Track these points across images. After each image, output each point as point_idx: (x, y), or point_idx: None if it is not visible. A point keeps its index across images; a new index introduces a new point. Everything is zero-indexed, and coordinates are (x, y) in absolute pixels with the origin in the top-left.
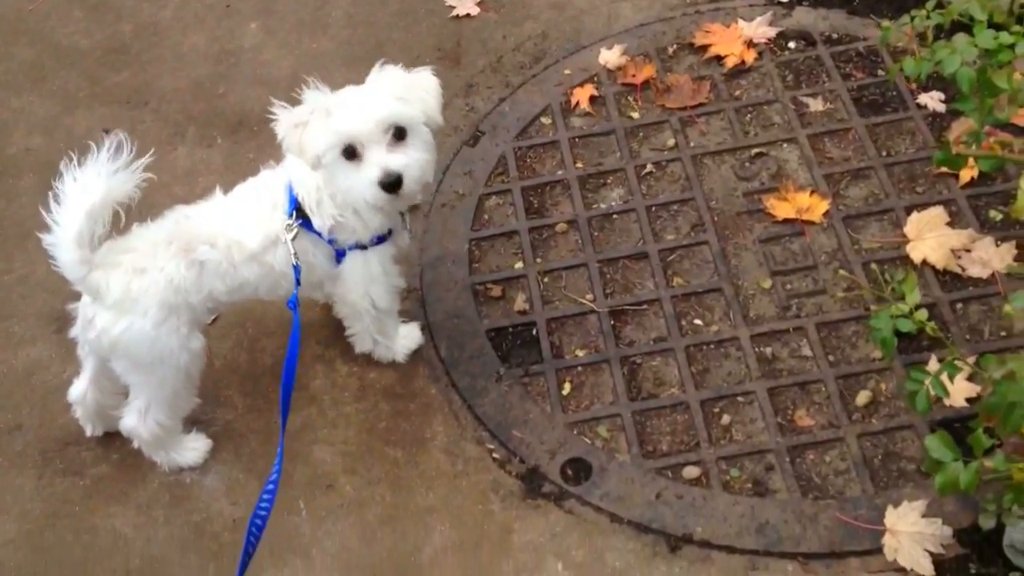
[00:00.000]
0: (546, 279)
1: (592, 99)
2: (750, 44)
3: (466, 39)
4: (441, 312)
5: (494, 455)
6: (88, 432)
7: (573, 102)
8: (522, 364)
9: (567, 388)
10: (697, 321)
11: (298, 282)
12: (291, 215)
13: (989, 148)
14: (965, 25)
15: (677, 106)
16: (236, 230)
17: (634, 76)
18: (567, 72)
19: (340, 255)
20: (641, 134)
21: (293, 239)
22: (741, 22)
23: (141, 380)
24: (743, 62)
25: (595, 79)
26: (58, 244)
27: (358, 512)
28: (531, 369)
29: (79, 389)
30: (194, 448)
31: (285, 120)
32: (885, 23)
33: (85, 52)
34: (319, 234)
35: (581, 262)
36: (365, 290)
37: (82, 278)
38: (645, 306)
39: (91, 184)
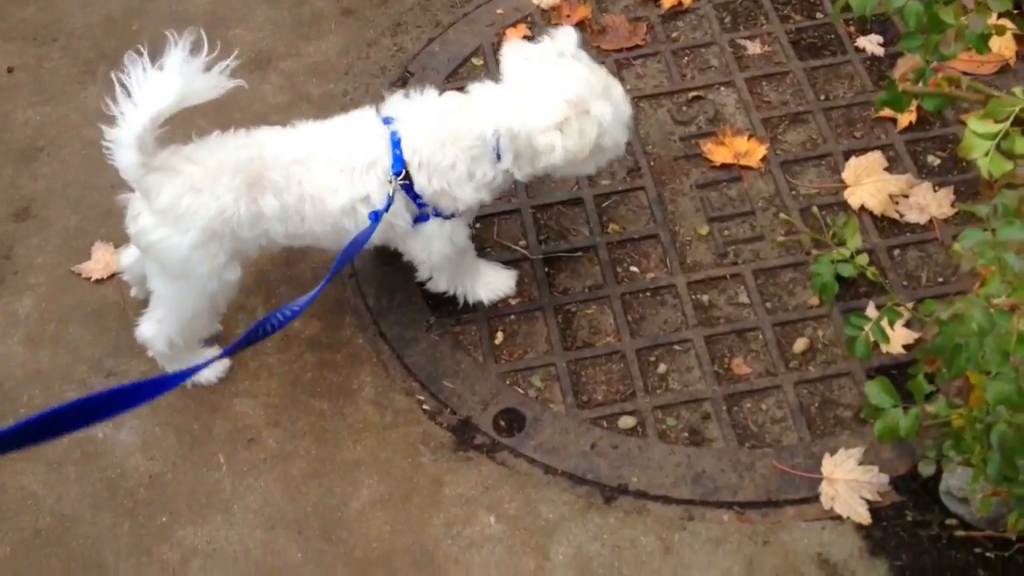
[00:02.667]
0: (478, 225)
1: (525, 39)
2: None
3: None
4: (368, 260)
5: (424, 407)
6: (132, 293)
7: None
8: (453, 313)
9: (500, 337)
10: (633, 268)
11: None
12: (399, 174)
13: (936, 86)
14: None
15: (613, 48)
16: (319, 182)
17: (568, 16)
18: (499, 12)
19: (423, 218)
20: None
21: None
22: None
23: (165, 290)
24: (680, 3)
25: (528, 19)
26: (119, 142)
27: (282, 466)
28: (462, 318)
29: (131, 256)
30: (209, 367)
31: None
32: None
33: None
34: (416, 196)
35: (514, 208)
36: (431, 247)
37: (138, 179)
38: (580, 253)
39: (165, 84)
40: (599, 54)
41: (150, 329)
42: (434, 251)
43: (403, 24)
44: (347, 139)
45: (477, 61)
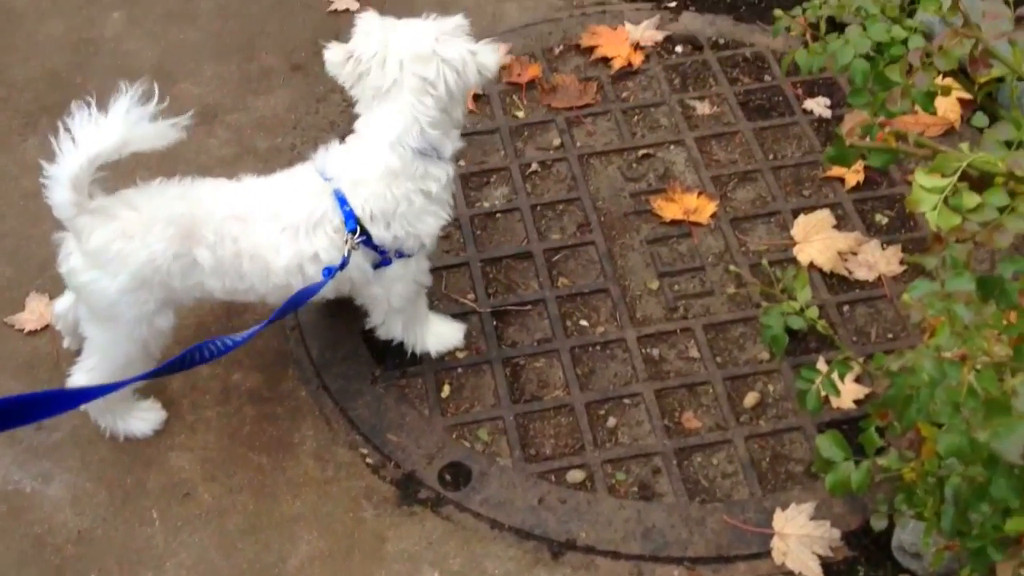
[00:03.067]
0: None
1: (476, 97)
2: (637, 47)
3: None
4: (313, 311)
5: (368, 460)
6: (65, 344)
7: None
8: (399, 366)
9: (446, 390)
10: (583, 322)
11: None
12: (354, 231)
13: (883, 141)
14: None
15: (563, 106)
16: (258, 239)
17: (519, 75)
18: None
19: (385, 263)
20: (526, 133)
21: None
22: (628, 25)
23: (96, 335)
24: (630, 64)
25: None
26: (55, 179)
27: (218, 521)
28: (408, 371)
29: (64, 304)
30: (143, 418)
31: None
32: (778, 11)
33: None
34: (376, 247)
35: (463, 261)
36: (393, 289)
37: (71, 218)
38: (529, 307)
39: (108, 126)
40: (549, 112)
41: (81, 379)
42: (395, 293)
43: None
44: (288, 196)
45: None
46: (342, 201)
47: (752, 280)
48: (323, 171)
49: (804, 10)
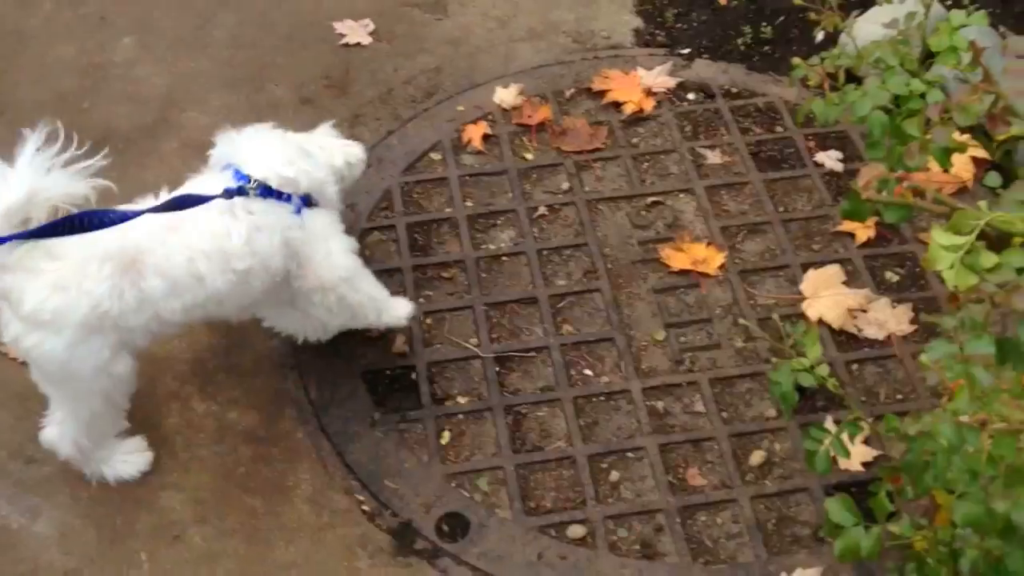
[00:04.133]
0: (428, 320)
1: (485, 137)
2: (649, 93)
3: (355, 69)
4: (312, 351)
5: (363, 507)
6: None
7: (465, 139)
8: (399, 410)
9: (446, 437)
10: (587, 371)
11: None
12: (248, 180)
13: (900, 196)
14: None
15: (573, 150)
16: (208, 231)
17: (530, 117)
18: (460, 108)
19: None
20: (535, 176)
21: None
22: (641, 70)
23: (57, 396)
24: (641, 110)
25: (489, 117)
26: None
27: (208, 566)
28: (408, 415)
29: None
30: (128, 461)
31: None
32: (796, 59)
33: None
34: (279, 195)
35: (467, 304)
36: (330, 253)
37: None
38: (533, 353)
39: (14, 180)
40: (559, 155)
41: (53, 433)
42: (335, 251)
43: (362, 116)
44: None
45: (435, 156)
46: (237, 174)
47: (761, 334)
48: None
49: (822, 59)
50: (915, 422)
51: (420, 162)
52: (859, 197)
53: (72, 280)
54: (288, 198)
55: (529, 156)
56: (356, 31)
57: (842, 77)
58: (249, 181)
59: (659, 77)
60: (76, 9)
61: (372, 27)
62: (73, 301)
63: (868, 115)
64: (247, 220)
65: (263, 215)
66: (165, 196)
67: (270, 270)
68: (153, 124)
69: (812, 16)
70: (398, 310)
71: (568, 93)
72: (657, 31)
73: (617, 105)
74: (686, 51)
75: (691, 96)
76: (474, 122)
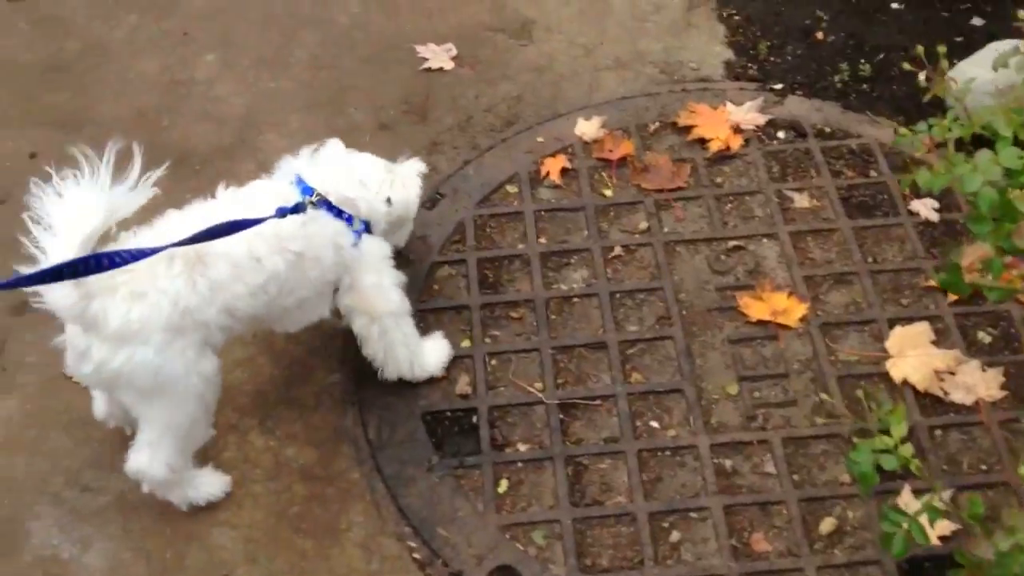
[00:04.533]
0: (494, 362)
1: (563, 171)
2: (737, 129)
3: (435, 94)
4: (374, 387)
5: (415, 555)
6: (129, 431)
7: (543, 172)
8: (457, 454)
9: (504, 485)
10: (653, 423)
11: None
12: (311, 193)
13: (1008, 282)
14: (983, 140)
15: (654, 188)
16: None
17: (611, 151)
18: (540, 140)
19: (356, 235)
20: (612, 213)
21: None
22: (729, 105)
23: (150, 412)
24: (728, 148)
25: (569, 150)
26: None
27: None
28: (466, 460)
29: (100, 408)
30: (210, 482)
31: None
32: (902, 130)
33: (23, 68)
34: (339, 212)
35: (534, 347)
36: (381, 284)
37: (80, 313)
38: (598, 401)
39: (89, 203)
40: (639, 193)
41: (142, 458)
42: (385, 283)
43: (439, 144)
44: (257, 190)
45: (511, 188)
46: (299, 181)
47: (843, 411)
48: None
49: (930, 127)
50: (1009, 536)
51: (496, 194)
52: (959, 273)
53: (147, 285)
54: (349, 219)
55: (608, 192)
56: (438, 55)
57: (952, 147)
58: (312, 193)
59: (749, 113)
60: (160, 23)
61: (455, 52)
62: (155, 304)
63: (978, 191)
64: (301, 215)
65: (317, 218)
66: (223, 193)
67: (321, 263)
68: (231, 145)
69: (921, 82)
70: (429, 363)
71: (652, 127)
72: (749, 64)
73: (703, 142)
74: (779, 86)
75: (781, 134)
76: (553, 155)
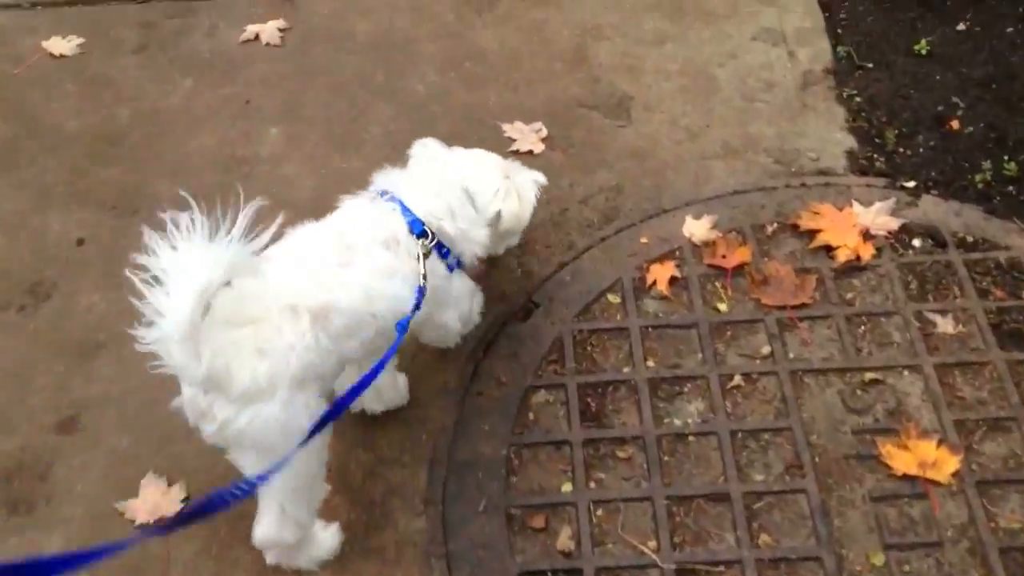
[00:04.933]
0: (600, 512)
1: (672, 280)
2: (866, 235)
3: None
4: (465, 538)
5: None
6: None
7: (649, 280)
8: None
9: None
10: None
11: (418, 307)
12: (430, 236)
13: None
14: None
15: (775, 303)
16: (373, 265)
17: (724, 257)
18: (644, 240)
19: (450, 269)
20: (729, 333)
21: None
22: (856, 206)
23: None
24: (858, 257)
25: (677, 254)
26: (168, 338)
27: None
28: None
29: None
30: (325, 537)
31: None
32: None
33: (72, 136)
34: (448, 252)
35: (645, 495)
36: (462, 309)
37: (205, 374)
38: (721, 568)
39: (207, 256)
40: (758, 308)
41: (270, 525)
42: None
43: (531, 241)
44: (363, 221)
45: (613, 298)
46: (406, 210)
47: None
48: (384, 190)
49: None
50: None
51: (596, 304)
52: None
53: (273, 340)
54: (446, 253)
55: (723, 307)
56: (527, 136)
57: None
58: (420, 229)
59: (879, 216)
60: (219, 89)
61: (544, 132)
62: (281, 360)
63: None
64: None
65: (430, 270)
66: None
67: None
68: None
69: None
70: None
71: (769, 229)
72: (875, 155)
73: (828, 249)
74: (910, 184)
75: (917, 243)
76: (660, 260)
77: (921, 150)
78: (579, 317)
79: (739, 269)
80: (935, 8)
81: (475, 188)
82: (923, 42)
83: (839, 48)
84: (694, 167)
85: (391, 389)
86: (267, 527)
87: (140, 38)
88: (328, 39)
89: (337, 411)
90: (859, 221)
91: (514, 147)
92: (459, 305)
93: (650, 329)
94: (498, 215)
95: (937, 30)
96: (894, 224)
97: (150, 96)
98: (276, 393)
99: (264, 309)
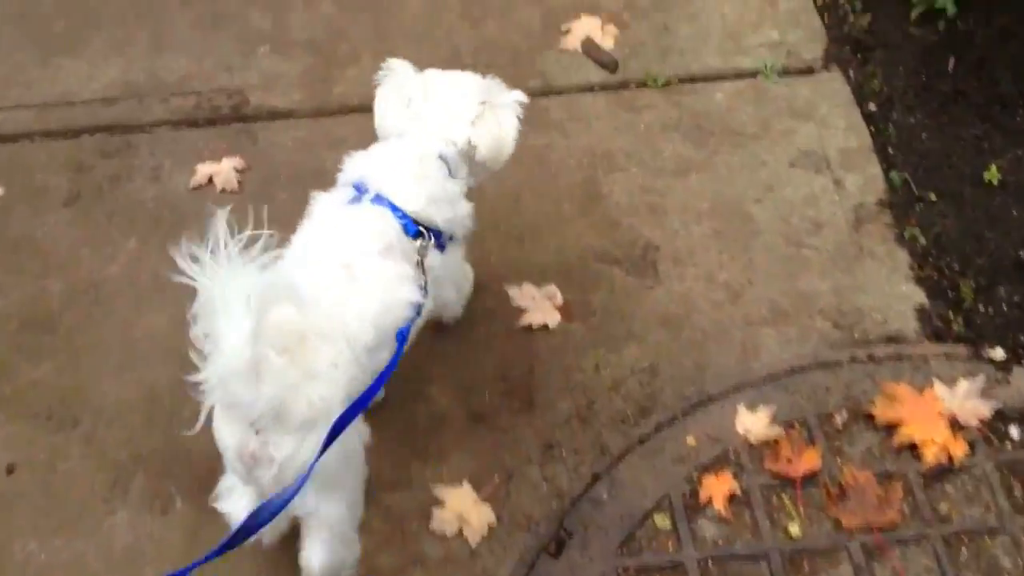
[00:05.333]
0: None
1: (730, 498)
2: (955, 424)
3: (542, 364)
4: None
5: None
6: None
7: (703, 496)
8: None
9: None
10: None
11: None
12: (426, 235)
13: None
14: None
15: (858, 524)
16: (379, 273)
17: (790, 462)
18: (690, 441)
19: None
20: (806, 566)
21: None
22: (937, 385)
23: (324, 500)
24: (949, 457)
25: (733, 458)
26: (230, 375)
27: None
28: None
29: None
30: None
31: None
32: None
33: None
34: (440, 235)
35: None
36: (457, 282)
37: (264, 407)
38: None
39: (255, 280)
40: (836, 529)
41: (323, 555)
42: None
43: (555, 446)
44: (366, 236)
45: (661, 521)
46: (394, 209)
47: None
48: (362, 185)
49: None
50: None
51: (641, 531)
52: None
53: (314, 362)
54: (441, 243)
55: (795, 530)
56: (540, 305)
57: None
58: (404, 215)
59: (966, 400)
60: (166, 251)
61: (560, 298)
62: (331, 381)
63: None
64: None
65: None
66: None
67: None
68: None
69: None
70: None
71: (839, 419)
72: (951, 314)
73: (913, 447)
74: (999, 354)
75: (1015, 432)
76: (713, 469)
77: (1005, 307)
78: (622, 549)
79: (810, 477)
80: (1003, 125)
81: (453, 138)
82: (993, 168)
83: (892, 174)
84: (739, 336)
85: None
86: (318, 556)
87: (71, 184)
88: (295, 181)
89: (343, 424)
90: (943, 406)
91: (525, 321)
92: (454, 276)
93: (710, 562)
94: (472, 147)
95: (1008, 152)
96: (986, 411)
97: (85, 263)
98: (331, 416)
99: (299, 332)
